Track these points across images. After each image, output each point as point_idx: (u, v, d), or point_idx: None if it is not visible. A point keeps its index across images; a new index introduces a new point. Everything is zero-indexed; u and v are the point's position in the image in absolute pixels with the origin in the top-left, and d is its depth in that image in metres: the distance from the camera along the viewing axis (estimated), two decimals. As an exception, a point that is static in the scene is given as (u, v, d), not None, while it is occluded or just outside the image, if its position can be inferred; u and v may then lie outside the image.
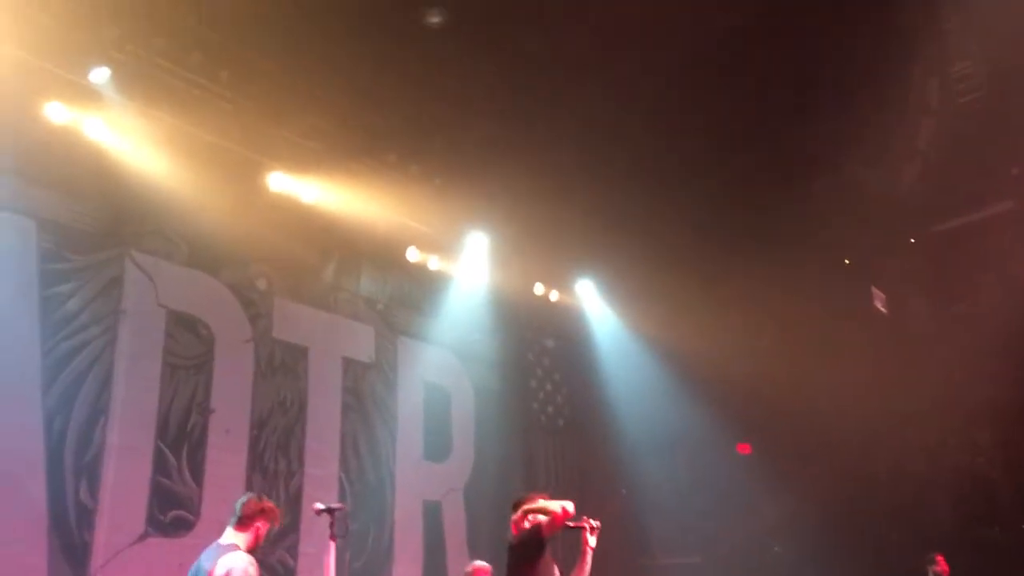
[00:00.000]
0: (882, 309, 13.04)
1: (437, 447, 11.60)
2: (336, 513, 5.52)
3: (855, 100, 9.60)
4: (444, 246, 11.69)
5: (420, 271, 11.69)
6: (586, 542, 5.82)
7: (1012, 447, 12.26)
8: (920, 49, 9.54)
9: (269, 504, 5.34)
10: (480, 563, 7.39)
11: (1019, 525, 11.87)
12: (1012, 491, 12.15)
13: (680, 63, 9.14)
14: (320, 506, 5.55)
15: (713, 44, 8.89)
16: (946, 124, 10.51)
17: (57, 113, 8.12)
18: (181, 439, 8.80)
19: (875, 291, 13.06)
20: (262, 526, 5.23)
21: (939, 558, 9.58)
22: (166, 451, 8.65)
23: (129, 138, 8.57)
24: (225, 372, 9.33)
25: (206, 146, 8.98)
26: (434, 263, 11.70)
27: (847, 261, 13.15)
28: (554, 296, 13.22)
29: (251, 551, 5.14)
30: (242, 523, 5.19)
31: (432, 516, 11.17)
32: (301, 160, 9.76)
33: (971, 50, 9.75)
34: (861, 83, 9.41)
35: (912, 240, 12.98)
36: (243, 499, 5.32)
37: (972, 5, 9.03)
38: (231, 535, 5.17)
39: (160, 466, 8.59)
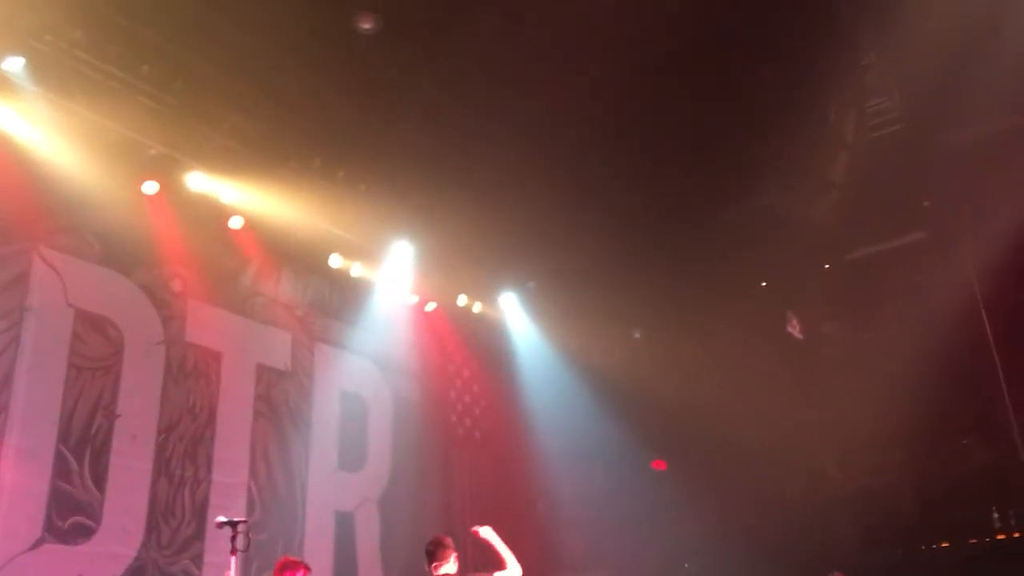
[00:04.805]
0: (796, 333, 13.37)
1: (352, 457, 11.45)
2: (238, 526, 5.49)
3: (775, 130, 9.84)
4: (368, 254, 11.58)
5: (342, 278, 11.56)
6: None
7: (920, 470, 12.64)
8: (839, 84, 9.83)
9: (291, 559, 6.31)
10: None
11: (920, 546, 12.24)
12: (917, 513, 12.51)
13: (610, 84, 9.26)
14: (222, 519, 5.54)
15: (643, 69, 9.03)
16: (861, 157, 10.85)
17: (-35, 100, 7.83)
18: (84, 443, 8.51)
19: (789, 315, 13.39)
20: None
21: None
22: (67, 455, 8.35)
23: (43, 130, 8.30)
24: (133, 375, 9.06)
25: (123, 141, 8.76)
26: (357, 270, 11.58)
27: (763, 284, 13.46)
28: (477, 308, 13.23)
29: None
30: None
31: (344, 527, 11.00)
32: (222, 160, 9.53)
33: (888, 86, 10.08)
34: (781, 114, 9.64)
35: (827, 266, 13.35)
36: (277, 560, 6.35)
37: (890, 43, 9.33)
38: None
39: (60, 470, 8.27)
